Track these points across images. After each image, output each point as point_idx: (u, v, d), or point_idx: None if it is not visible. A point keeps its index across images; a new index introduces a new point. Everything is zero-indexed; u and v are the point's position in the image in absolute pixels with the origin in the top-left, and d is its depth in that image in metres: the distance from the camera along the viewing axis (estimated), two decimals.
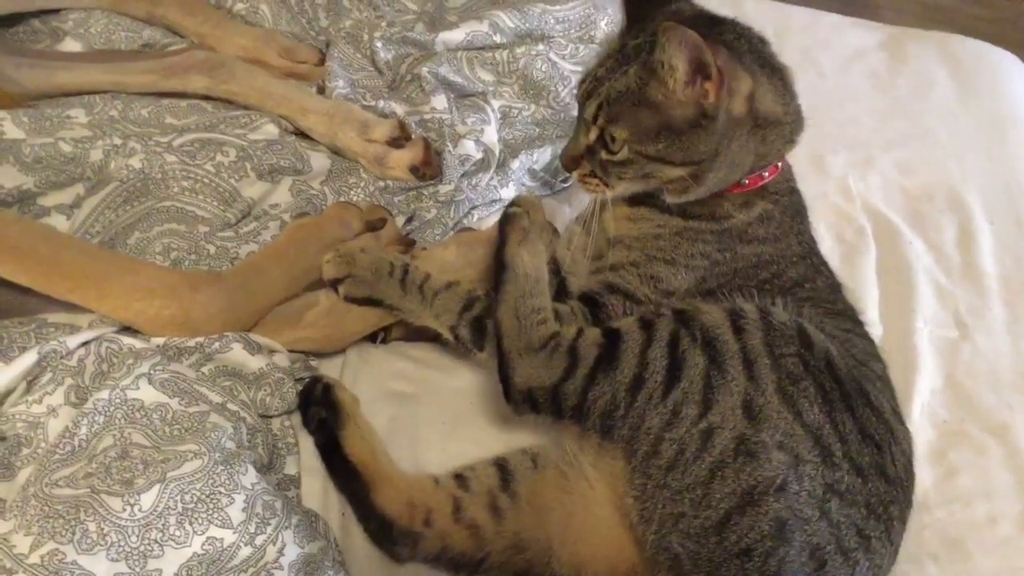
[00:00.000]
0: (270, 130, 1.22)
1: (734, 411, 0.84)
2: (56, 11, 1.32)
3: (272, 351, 1.01)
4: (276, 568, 0.82)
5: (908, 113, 1.55)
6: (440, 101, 1.27)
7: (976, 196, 1.41)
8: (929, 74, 1.63)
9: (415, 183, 1.21)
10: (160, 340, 0.96)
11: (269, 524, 0.84)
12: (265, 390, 0.97)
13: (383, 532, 0.92)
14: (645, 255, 1.00)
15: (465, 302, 1.00)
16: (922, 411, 1.13)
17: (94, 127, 1.15)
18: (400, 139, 1.22)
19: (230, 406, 0.93)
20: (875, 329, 1.15)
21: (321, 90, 1.32)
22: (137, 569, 0.78)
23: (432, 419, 1.03)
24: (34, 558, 0.76)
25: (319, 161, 1.21)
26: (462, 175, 1.22)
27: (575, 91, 1.02)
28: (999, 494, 1.06)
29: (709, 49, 0.88)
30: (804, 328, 0.89)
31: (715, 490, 0.81)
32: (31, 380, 0.92)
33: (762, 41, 1.00)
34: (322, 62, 1.36)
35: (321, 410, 0.98)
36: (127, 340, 0.95)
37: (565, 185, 1.31)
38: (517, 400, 0.92)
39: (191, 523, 0.80)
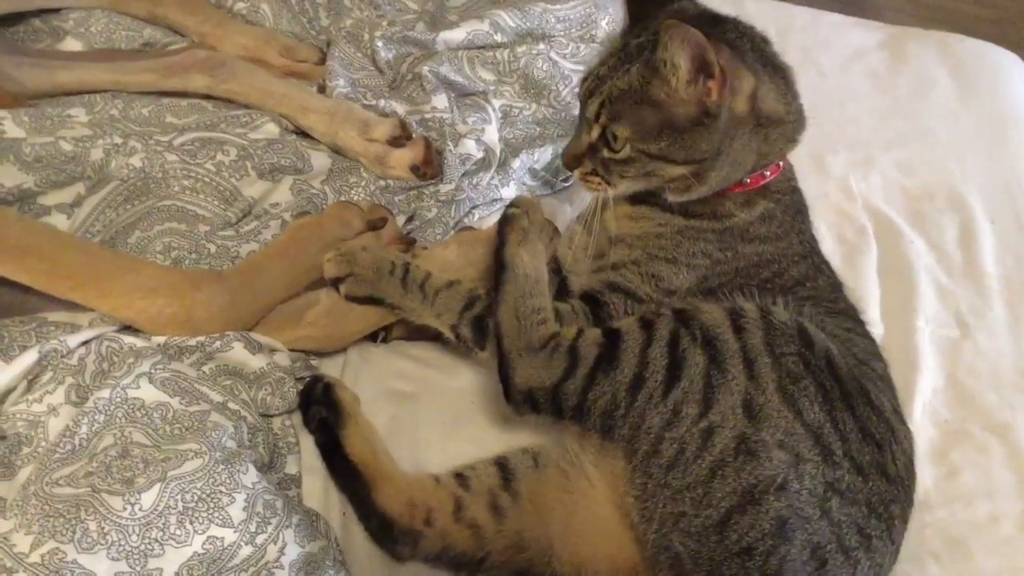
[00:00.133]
0: (271, 129, 1.22)
1: (734, 410, 0.84)
2: (57, 10, 1.32)
3: (273, 350, 1.01)
4: (277, 567, 0.82)
5: (909, 113, 1.55)
6: (441, 100, 1.27)
7: (977, 196, 1.41)
8: (930, 74, 1.63)
9: (416, 182, 1.21)
10: (161, 339, 0.96)
11: (270, 523, 0.84)
12: (266, 389, 0.97)
13: (384, 531, 0.92)
14: (647, 254, 1.00)
15: (466, 301, 1.01)
16: (923, 410, 1.13)
17: (95, 126, 1.15)
18: (401, 138, 1.22)
19: (231, 405, 0.93)
20: (876, 328, 1.15)
21: (322, 89, 1.31)
22: (138, 568, 0.78)
23: (433, 418, 1.03)
24: (35, 557, 0.76)
25: (320, 160, 1.21)
26: (463, 174, 1.22)
27: (576, 90, 1.02)
28: (1001, 493, 1.06)
29: (712, 48, 0.88)
30: (805, 327, 0.89)
31: (716, 489, 0.81)
32: (32, 379, 0.92)
33: (764, 40, 1.00)
34: (323, 61, 1.36)
35: (322, 409, 0.98)
36: (128, 339, 0.95)
37: (566, 184, 1.31)
38: (517, 400, 0.92)
39: (192, 522, 0.80)
